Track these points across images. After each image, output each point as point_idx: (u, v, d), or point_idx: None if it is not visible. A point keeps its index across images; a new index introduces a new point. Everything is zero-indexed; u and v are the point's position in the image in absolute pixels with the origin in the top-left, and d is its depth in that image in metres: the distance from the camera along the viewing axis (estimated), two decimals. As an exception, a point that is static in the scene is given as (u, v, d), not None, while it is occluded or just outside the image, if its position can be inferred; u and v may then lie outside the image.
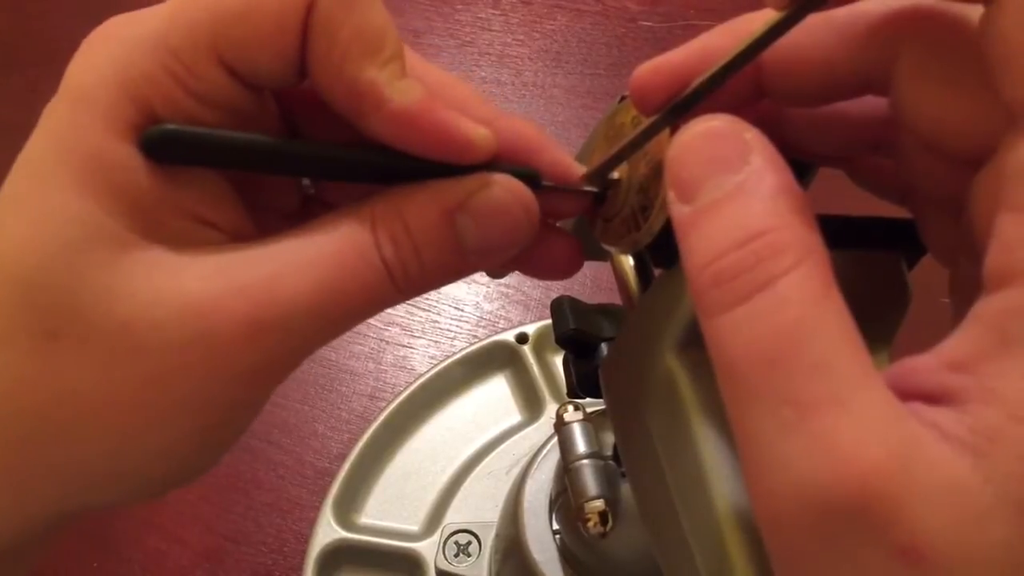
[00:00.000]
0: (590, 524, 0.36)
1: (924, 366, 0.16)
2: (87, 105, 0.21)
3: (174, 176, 0.21)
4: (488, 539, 0.48)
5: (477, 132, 0.22)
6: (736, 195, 0.17)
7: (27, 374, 0.20)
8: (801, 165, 0.23)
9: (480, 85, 0.74)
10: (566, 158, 0.25)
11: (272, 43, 0.21)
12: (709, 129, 0.18)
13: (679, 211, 0.18)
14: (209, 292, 0.21)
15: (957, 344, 0.16)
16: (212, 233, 0.22)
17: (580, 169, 0.25)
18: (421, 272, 0.22)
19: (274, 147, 0.22)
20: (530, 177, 0.23)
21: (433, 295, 0.62)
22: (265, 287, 0.21)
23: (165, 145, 0.21)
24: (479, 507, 0.51)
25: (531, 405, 0.55)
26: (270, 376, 0.22)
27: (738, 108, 0.19)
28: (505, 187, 0.22)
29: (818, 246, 0.17)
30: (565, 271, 0.26)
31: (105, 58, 0.21)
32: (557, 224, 0.26)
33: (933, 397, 0.16)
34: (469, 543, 0.48)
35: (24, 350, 0.20)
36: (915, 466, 0.15)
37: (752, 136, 0.18)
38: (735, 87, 0.21)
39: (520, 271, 0.26)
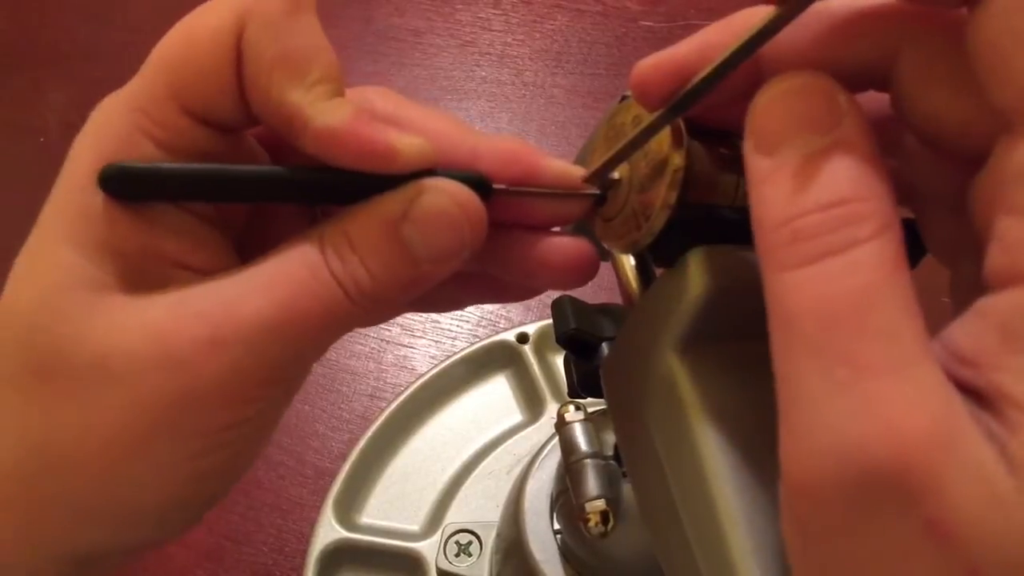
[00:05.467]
0: (591, 524, 0.36)
1: (936, 354, 0.17)
2: (75, 171, 0.23)
3: (152, 225, 0.23)
4: (489, 539, 0.48)
5: (402, 141, 0.22)
6: (825, 157, 0.17)
7: (24, 411, 0.22)
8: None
9: (480, 85, 0.74)
10: (562, 164, 0.25)
11: (214, 77, 0.22)
12: (804, 85, 0.18)
13: (757, 162, 0.18)
14: (171, 318, 0.22)
15: (961, 339, 0.16)
16: (191, 276, 0.23)
17: (579, 172, 0.25)
18: (373, 284, 0.23)
19: (217, 173, 0.23)
20: (476, 182, 0.23)
21: (434, 295, 0.62)
22: (223, 309, 0.22)
23: (118, 182, 0.22)
24: (480, 507, 0.51)
25: (532, 405, 0.55)
26: (241, 395, 0.22)
27: (738, 104, 0.19)
28: (439, 190, 0.23)
29: (896, 221, 0.17)
30: (584, 276, 0.26)
31: (91, 128, 0.23)
32: (559, 229, 0.26)
33: None
34: (470, 543, 0.48)
35: (21, 389, 0.22)
36: (957, 443, 0.15)
37: (845, 100, 0.18)
38: (735, 83, 0.21)
39: (542, 286, 0.26)
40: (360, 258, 0.22)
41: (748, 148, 0.18)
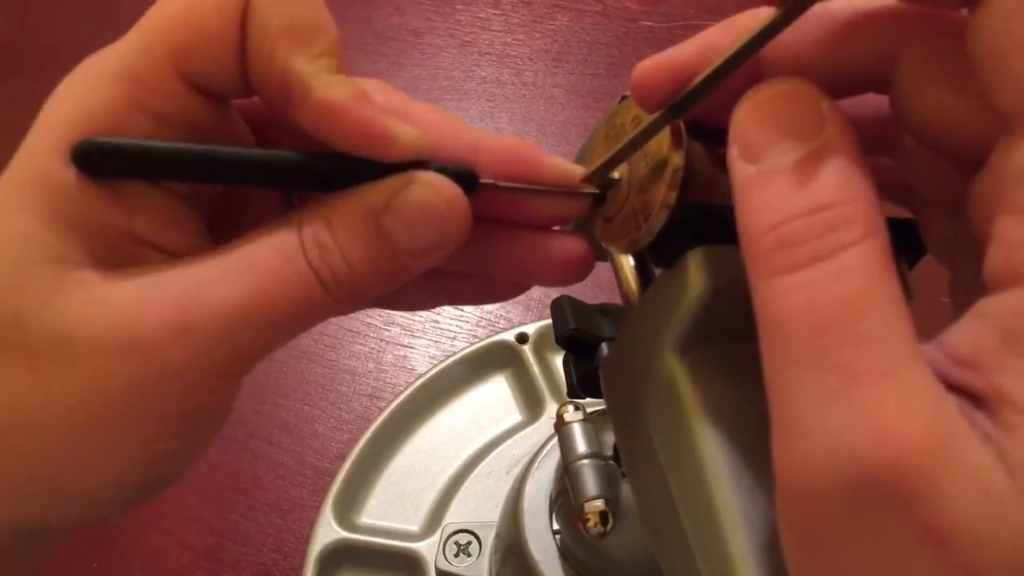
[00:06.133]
0: (590, 524, 0.36)
1: (931, 357, 0.17)
2: (44, 137, 0.22)
3: (124, 201, 0.22)
4: (488, 539, 0.48)
5: (400, 127, 0.22)
6: (809, 163, 0.17)
7: None
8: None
9: (480, 85, 0.74)
10: (563, 163, 0.25)
11: (218, 40, 0.22)
12: (786, 92, 0.18)
13: (741, 169, 0.18)
14: (140, 301, 0.21)
15: (960, 340, 0.16)
16: (161, 256, 0.23)
17: (578, 171, 0.25)
18: (351, 275, 0.22)
19: (198, 153, 0.22)
20: (463, 175, 0.23)
21: (433, 295, 0.62)
22: (193, 294, 0.21)
23: (93, 158, 0.21)
24: (479, 507, 0.51)
25: (531, 405, 0.55)
26: (205, 384, 0.22)
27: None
28: (427, 184, 0.22)
29: (882, 225, 0.17)
30: (579, 274, 0.26)
31: (72, 92, 0.22)
32: (558, 228, 0.26)
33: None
34: (469, 543, 0.48)
35: None
36: (950, 447, 0.15)
37: (828, 106, 0.18)
38: (735, 84, 0.21)
39: (536, 284, 0.26)
40: (339, 247, 0.22)
41: (732, 155, 0.18)
